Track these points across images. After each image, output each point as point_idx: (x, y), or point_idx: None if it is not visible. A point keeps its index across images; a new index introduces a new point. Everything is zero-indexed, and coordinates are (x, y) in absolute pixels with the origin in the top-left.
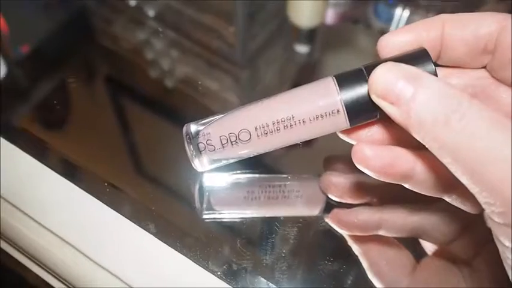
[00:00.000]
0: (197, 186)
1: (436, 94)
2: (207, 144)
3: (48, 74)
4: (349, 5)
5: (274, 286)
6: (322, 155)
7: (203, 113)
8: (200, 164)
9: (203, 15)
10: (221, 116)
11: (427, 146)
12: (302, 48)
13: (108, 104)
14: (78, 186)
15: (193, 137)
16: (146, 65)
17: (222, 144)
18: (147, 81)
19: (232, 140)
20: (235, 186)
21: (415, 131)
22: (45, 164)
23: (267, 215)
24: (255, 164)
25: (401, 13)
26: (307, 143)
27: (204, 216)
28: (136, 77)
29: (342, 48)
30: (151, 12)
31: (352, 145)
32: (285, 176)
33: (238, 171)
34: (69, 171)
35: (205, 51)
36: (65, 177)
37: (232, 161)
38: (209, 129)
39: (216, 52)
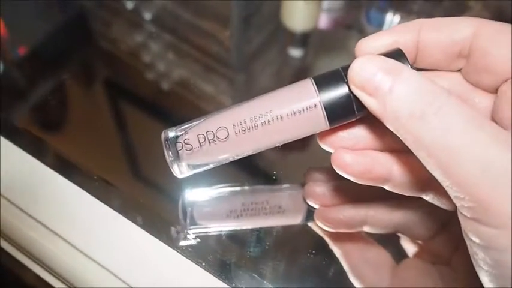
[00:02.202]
0: (180, 202)
1: (413, 88)
2: (185, 143)
3: (46, 76)
4: (342, 10)
5: (258, 277)
6: (303, 163)
7: (197, 115)
8: (179, 169)
9: (199, 19)
10: (201, 119)
11: (401, 138)
12: (296, 52)
13: (104, 105)
14: (73, 182)
15: (172, 142)
16: (143, 67)
17: (200, 143)
18: (143, 83)
19: (209, 138)
20: (218, 200)
21: (389, 123)
22: (42, 161)
23: (251, 227)
24: (236, 176)
25: (392, 18)
26: (287, 151)
27: (188, 231)
28: (133, 79)
29: (335, 52)
30: (147, 15)
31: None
32: (267, 186)
33: (221, 185)
34: (66, 168)
35: (201, 54)
36: (61, 175)
37: (212, 165)
38: (187, 130)
39: (211, 55)
